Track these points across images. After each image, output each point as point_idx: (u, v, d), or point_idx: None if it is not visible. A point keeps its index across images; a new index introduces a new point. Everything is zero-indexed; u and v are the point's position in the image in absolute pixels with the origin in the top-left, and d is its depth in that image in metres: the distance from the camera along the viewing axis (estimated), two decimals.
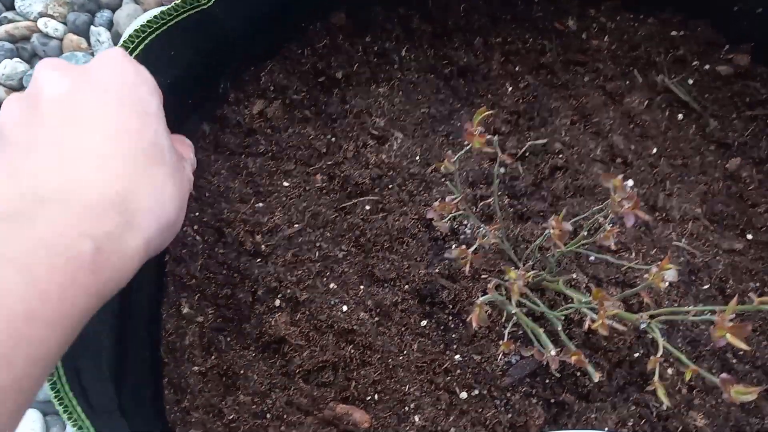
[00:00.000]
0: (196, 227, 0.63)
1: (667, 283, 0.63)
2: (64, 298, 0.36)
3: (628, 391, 0.59)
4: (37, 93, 0.45)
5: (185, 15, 0.54)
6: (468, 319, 0.42)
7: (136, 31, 0.51)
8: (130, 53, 0.52)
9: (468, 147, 0.44)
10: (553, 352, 0.41)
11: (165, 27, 0.53)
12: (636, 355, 0.60)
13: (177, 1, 0.53)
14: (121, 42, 0.52)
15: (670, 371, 0.60)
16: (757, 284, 0.64)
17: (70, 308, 0.36)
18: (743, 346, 0.35)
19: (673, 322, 0.62)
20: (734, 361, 0.61)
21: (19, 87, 1.06)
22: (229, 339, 0.62)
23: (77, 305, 0.37)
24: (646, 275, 0.43)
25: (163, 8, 0.52)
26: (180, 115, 0.62)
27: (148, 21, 0.52)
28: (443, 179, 0.66)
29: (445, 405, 0.59)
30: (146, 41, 0.52)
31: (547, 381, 0.59)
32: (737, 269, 0.64)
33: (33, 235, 0.36)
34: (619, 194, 0.41)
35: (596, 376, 0.40)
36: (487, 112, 0.43)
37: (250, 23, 0.62)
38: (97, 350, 0.51)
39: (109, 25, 1.09)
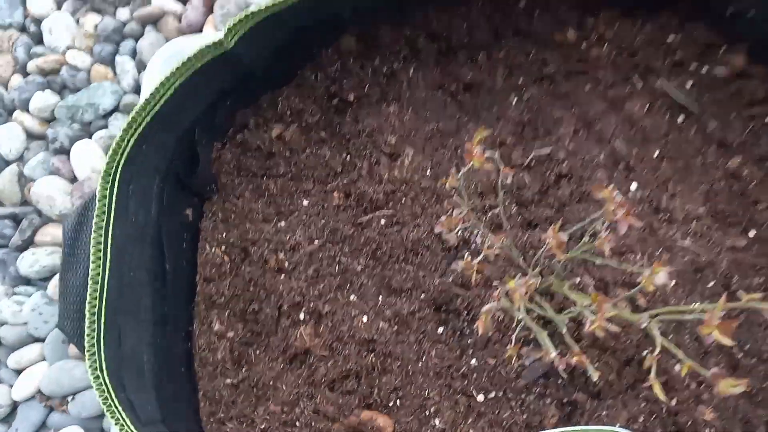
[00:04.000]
0: (223, 248, 0.68)
1: (672, 282, 0.66)
2: None
3: (638, 388, 0.62)
4: None
5: (210, 57, 0.58)
6: (475, 327, 0.46)
7: (166, 78, 0.56)
8: (161, 98, 0.56)
9: (470, 165, 0.48)
10: (554, 354, 0.45)
11: (193, 70, 0.58)
12: (645, 353, 0.62)
13: (202, 47, 0.57)
14: (152, 90, 0.56)
15: (677, 367, 0.62)
16: (762, 279, 0.66)
17: None
18: (728, 342, 0.38)
19: (680, 320, 0.65)
20: (740, 355, 0.63)
21: (51, 118, 1.12)
22: (258, 352, 0.66)
23: None
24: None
25: (189, 54, 0.56)
26: (204, 144, 0.67)
27: (177, 68, 0.57)
28: (453, 191, 0.69)
29: (463, 408, 0.62)
30: (175, 85, 0.57)
31: (559, 381, 0.62)
32: (741, 265, 0.66)
33: None
34: (611, 204, 0.44)
35: (596, 375, 0.43)
36: (485, 133, 0.46)
37: (267, 55, 0.66)
38: (139, 365, 0.56)
39: (133, 54, 1.15)
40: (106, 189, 0.57)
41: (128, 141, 0.58)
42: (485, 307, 0.45)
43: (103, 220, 0.56)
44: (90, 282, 0.54)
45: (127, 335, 0.57)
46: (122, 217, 0.57)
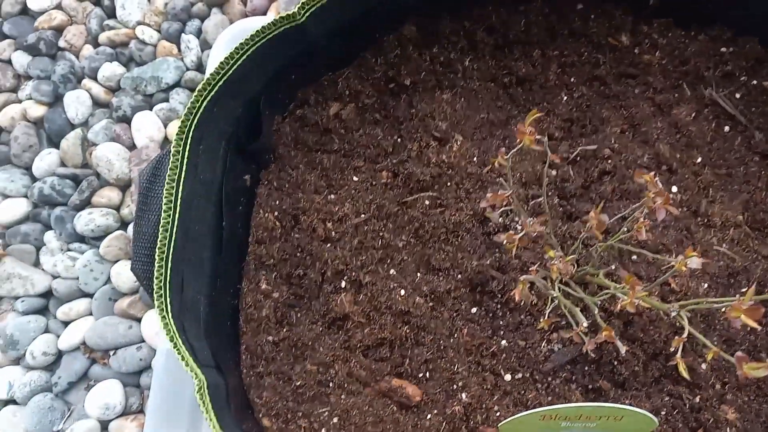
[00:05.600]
0: (276, 214, 0.72)
1: (705, 285, 0.67)
2: None
3: (663, 383, 0.64)
4: None
5: (282, 29, 0.62)
6: (512, 294, 0.48)
7: (240, 44, 0.60)
8: (234, 64, 0.61)
9: (520, 145, 0.50)
10: (585, 323, 0.47)
11: (265, 39, 0.62)
12: (672, 349, 0.64)
13: (275, 18, 0.61)
14: (226, 55, 0.60)
15: (704, 366, 0.64)
16: None
17: None
18: (754, 324, 0.40)
19: (710, 322, 0.66)
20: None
21: (116, 88, 1.18)
22: (299, 314, 0.69)
23: None
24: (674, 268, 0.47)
25: (264, 24, 0.61)
26: (267, 115, 0.71)
27: (251, 35, 0.61)
28: (498, 179, 0.72)
29: (490, 385, 0.64)
30: (248, 53, 0.61)
31: (585, 368, 0.64)
32: None
33: None
34: (652, 188, 0.46)
35: (623, 349, 0.45)
36: (537, 114, 0.49)
37: (333, 34, 0.70)
38: (196, 313, 0.60)
39: (198, 33, 1.20)
40: (180, 145, 0.61)
41: (201, 102, 0.62)
42: (523, 277, 0.47)
43: (176, 174, 0.60)
44: (160, 230, 0.58)
45: (189, 284, 0.61)
46: (191, 174, 0.62)
